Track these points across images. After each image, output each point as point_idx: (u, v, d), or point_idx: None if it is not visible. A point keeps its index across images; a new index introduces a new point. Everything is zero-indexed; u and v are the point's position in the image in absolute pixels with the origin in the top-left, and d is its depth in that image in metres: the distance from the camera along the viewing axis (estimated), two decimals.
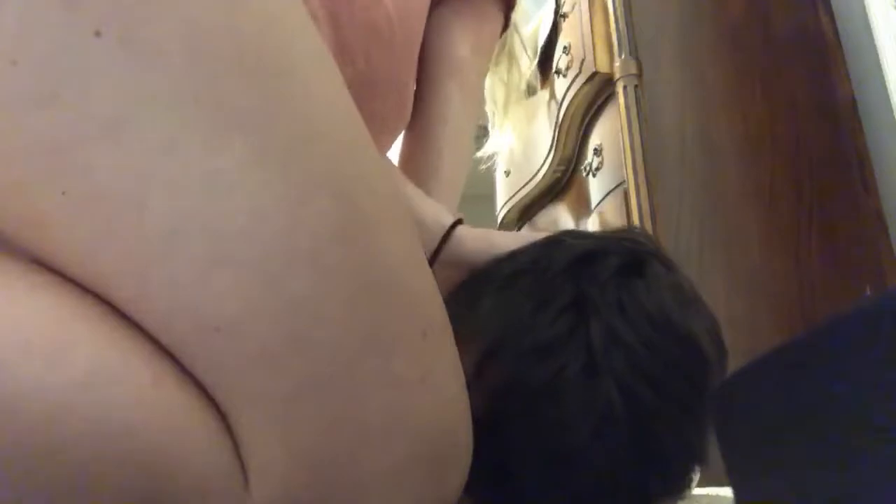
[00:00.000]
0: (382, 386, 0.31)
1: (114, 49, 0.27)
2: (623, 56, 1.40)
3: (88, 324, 0.29)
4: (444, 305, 0.37)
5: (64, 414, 0.26)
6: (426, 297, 0.35)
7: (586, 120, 1.59)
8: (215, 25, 0.29)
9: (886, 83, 1.31)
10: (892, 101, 1.29)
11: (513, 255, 0.48)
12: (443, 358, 0.35)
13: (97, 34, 0.27)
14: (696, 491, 0.77)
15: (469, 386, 0.39)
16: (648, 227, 1.29)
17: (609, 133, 1.46)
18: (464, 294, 0.48)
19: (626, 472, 0.41)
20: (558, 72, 1.63)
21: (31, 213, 0.28)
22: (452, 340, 0.37)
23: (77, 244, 0.29)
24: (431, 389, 0.33)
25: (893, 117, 1.29)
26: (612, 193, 1.41)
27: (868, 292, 1.21)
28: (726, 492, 0.77)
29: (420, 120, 0.76)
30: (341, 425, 0.30)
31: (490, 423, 0.39)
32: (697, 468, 0.47)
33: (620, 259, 0.45)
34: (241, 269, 0.28)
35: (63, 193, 0.27)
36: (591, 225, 1.52)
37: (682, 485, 0.47)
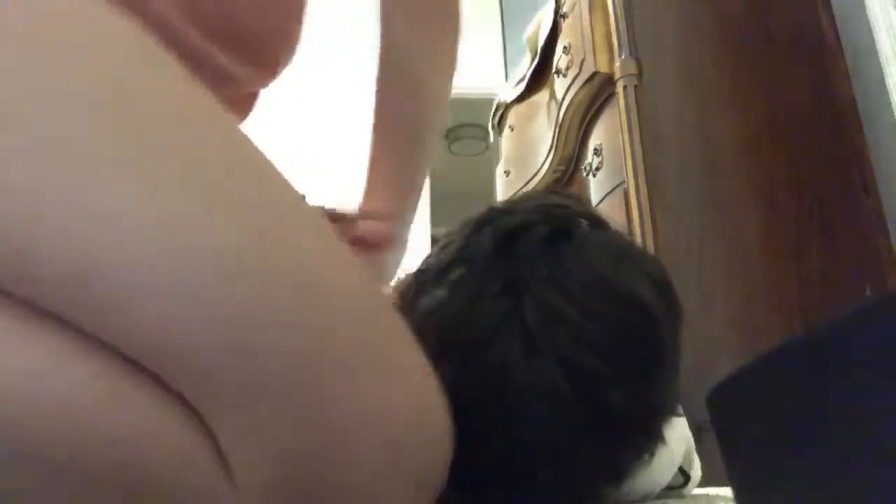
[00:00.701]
0: (342, 380, 0.32)
1: None
2: (623, 56, 1.40)
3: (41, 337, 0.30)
4: (385, 294, 0.37)
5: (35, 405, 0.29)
6: (361, 288, 0.35)
7: (586, 120, 1.59)
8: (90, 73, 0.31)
9: (886, 83, 1.31)
10: (892, 101, 1.29)
11: (443, 246, 0.47)
12: (399, 345, 0.36)
13: None
14: (696, 491, 0.77)
15: None
16: (648, 227, 1.29)
17: (609, 133, 1.46)
18: (402, 294, 0.48)
19: (589, 446, 0.41)
20: (558, 72, 1.63)
21: None
22: (405, 328, 0.37)
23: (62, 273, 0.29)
24: (393, 378, 0.34)
25: (893, 117, 1.29)
26: (612, 193, 1.41)
27: (868, 292, 1.21)
28: (726, 492, 0.77)
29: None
30: (309, 422, 0.31)
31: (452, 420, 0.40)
32: (668, 420, 0.46)
33: (546, 228, 0.44)
34: (178, 298, 0.29)
35: None
36: None
37: (651, 443, 0.46)
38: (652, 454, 0.46)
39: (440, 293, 0.43)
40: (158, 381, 0.31)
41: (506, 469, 0.41)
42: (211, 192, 0.31)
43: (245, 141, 0.35)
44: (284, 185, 0.35)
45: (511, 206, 0.48)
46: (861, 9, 1.38)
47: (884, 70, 1.32)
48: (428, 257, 0.47)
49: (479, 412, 0.40)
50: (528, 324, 0.40)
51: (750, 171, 1.33)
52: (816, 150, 1.33)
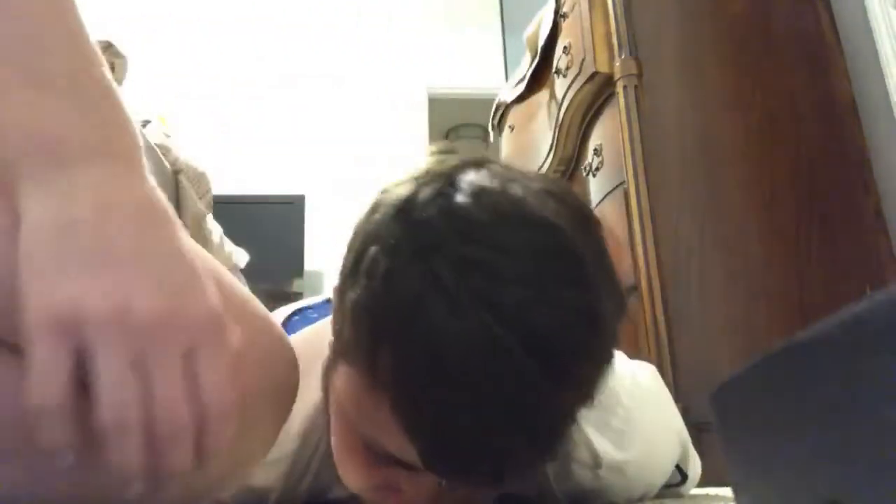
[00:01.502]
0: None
1: None
2: (623, 56, 1.40)
3: None
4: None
5: None
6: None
7: (586, 120, 1.59)
8: None
9: (886, 83, 1.31)
10: (892, 101, 1.29)
11: (351, 240, 0.47)
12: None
13: None
14: (696, 491, 0.77)
15: (375, 384, 0.42)
16: (648, 227, 1.29)
17: (609, 133, 1.46)
18: (336, 294, 0.49)
19: (536, 390, 0.40)
20: (558, 72, 1.63)
21: None
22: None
23: None
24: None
25: (893, 117, 1.29)
26: (612, 193, 1.41)
27: (868, 292, 1.21)
28: (726, 492, 0.77)
29: None
30: None
31: (403, 404, 0.40)
32: (615, 322, 0.45)
33: (432, 187, 0.43)
34: None
35: None
36: None
37: (603, 346, 0.44)
38: (608, 361, 0.45)
39: (362, 282, 0.43)
40: None
41: (477, 437, 0.40)
42: None
43: None
44: None
45: (395, 181, 0.47)
46: (861, 9, 1.38)
47: (884, 70, 1.32)
48: (345, 256, 0.48)
49: (433, 389, 0.40)
50: (444, 282, 0.39)
51: (750, 171, 1.33)
52: (816, 150, 1.33)
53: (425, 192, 0.43)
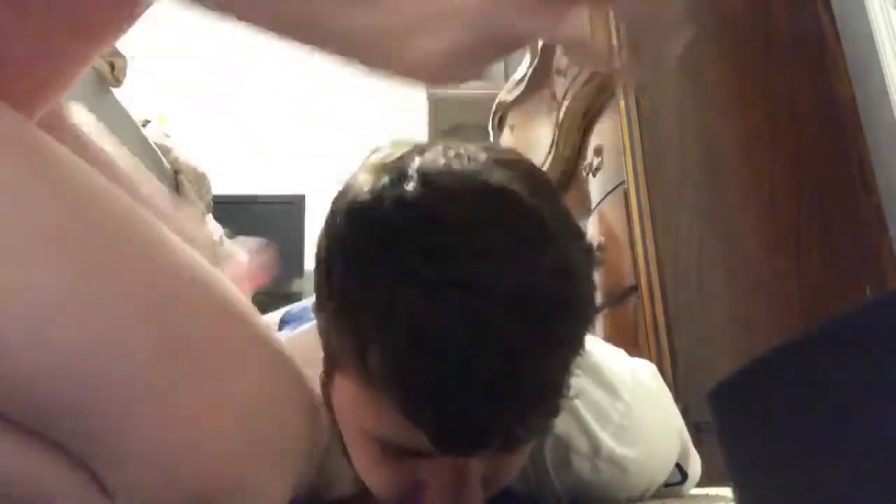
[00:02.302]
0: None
1: None
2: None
3: None
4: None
5: None
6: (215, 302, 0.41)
7: (586, 120, 1.59)
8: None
9: (886, 83, 1.31)
10: (892, 101, 1.29)
11: (317, 254, 0.48)
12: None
13: None
14: (696, 491, 0.77)
15: (371, 385, 0.42)
16: (648, 227, 1.29)
17: (609, 133, 1.46)
18: (315, 316, 0.50)
19: (527, 354, 0.41)
20: (558, 72, 1.63)
21: None
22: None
23: None
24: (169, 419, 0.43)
25: (893, 117, 1.29)
26: (612, 193, 1.41)
27: (868, 292, 1.21)
28: (726, 492, 0.77)
29: None
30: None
31: (403, 397, 0.41)
32: (587, 273, 0.45)
33: (382, 180, 0.44)
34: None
35: None
36: (592, 225, 1.52)
37: (581, 306, 0.45)
38: (590, 310, 0.46)
39: (336, 294, 0.44)
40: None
41: (481, 411, 0.41)
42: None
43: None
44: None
45: (345, 185, 0.48)
46: (861, 9, 1.38)
47: (884, 70, 1.32)
48: (315, 271, 0.48)
49: (427, 375, 0.40)
50: (414, 271, 0.40)
51: (750, 171, 1.33)
52: (816, 150, 1.33)
53: (376, 190, 0.44)
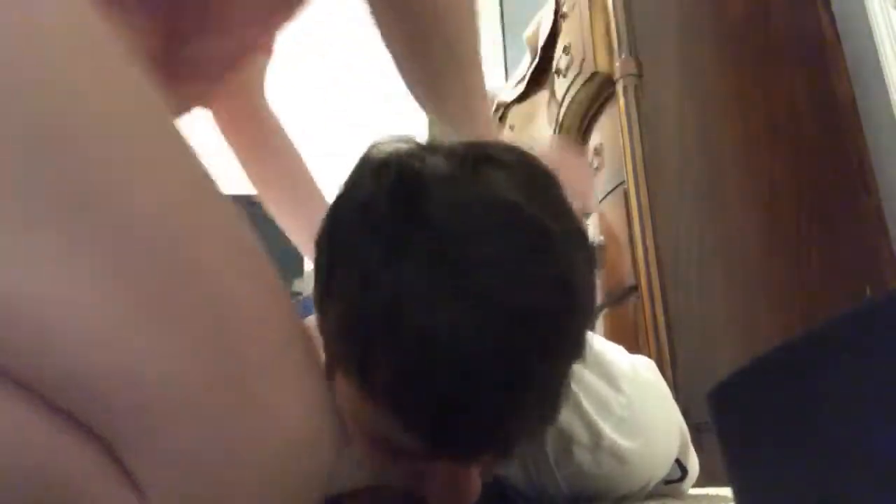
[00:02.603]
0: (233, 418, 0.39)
1: None
2: (623, 56, 1.40)
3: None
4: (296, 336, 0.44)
5: None
6: (268, 324, 0.41)
7: (586, 120, 1.59)
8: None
9: (886, 83, 1.31)
10: (892, 101, 1.29)
11: (317, 258, 0.48)
12: (285, 387, 0.41)
13: None
14: (696, 491, 0.77)
15: (373, 393, 0.42)
16: (648, 227, 1.29)
17: (609, 133, 1.46)
18: (316, 315, 0.49)
19: (530, 364, 0.41)
20: (558, 72, 1.63)
21: None
22: (302, 365, 0.43)
23: None
24: (272, 416, 0.40)
25: (893, 117, 1.29)
26: (612, 193, 1.41)
27: (868, 292, 1.22)
28: (726, 492, 0.77)
29: None
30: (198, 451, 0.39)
31: (403, 408, 0.41)
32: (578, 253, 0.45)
33: (385, 185, 0.44)
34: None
35: None
36: (591, 225, 1.52)
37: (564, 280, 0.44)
38: (591, 314, 0.46)
39: (338, 299, 0.44)
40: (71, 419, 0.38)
41: (483, 422, 0.41)
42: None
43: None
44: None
45: (344, 185, 0.48)
46: (861, 9, 1.38)
47: (884, 70, 1.32)
48: (315, 273, 0.48)
49: (429, 386, 0.40)
50: (416, 281, 0.40)
51: (750, 171, 1.33)
52: (816, 150, 1.33)
53: (377, 194, 0.43)
